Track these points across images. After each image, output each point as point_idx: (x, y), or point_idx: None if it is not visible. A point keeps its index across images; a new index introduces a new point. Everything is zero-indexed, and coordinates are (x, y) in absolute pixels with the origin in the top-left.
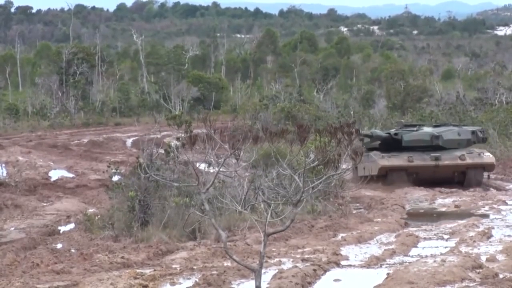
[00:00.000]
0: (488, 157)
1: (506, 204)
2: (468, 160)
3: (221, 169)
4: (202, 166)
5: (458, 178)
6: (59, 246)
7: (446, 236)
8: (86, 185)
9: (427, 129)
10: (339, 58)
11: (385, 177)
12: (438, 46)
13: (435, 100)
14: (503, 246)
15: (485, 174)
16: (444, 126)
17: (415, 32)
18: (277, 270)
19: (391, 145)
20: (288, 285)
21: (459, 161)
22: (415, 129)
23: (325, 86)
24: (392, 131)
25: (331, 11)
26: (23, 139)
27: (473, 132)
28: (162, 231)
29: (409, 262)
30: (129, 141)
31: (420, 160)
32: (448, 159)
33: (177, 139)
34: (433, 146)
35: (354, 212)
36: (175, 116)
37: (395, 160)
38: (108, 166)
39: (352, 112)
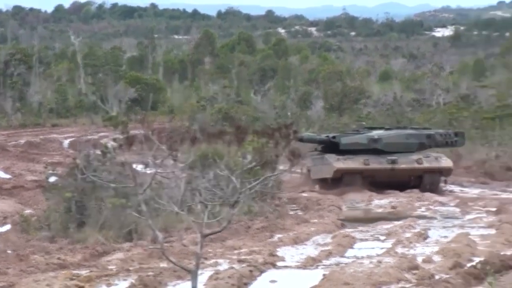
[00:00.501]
0: (445, 161)
1: (443, 205)
2: (425, 164)
3: (158, 170)
4: (139, 167)
5: (415, 182)
6: None
7: (382, 237)
8: (22, 186)
9: (376, 132)
10: (276, 59)
11: (340, 180)
12: (376, 47)
13: (372, 102)
14: (439, 247)
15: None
16: (397, 129)
17: (352, 33)
18: (213, 271)
19: (331, 148)
20: (225, 286)
21: (415, 165)
22: (360, 132)
23: (262, 87)
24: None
25: (269, 13)
26: None
27: (429, 136)
28: (98, 232)
29: (345, 263)
30: (66, 142)
31: (376, 163)
32: (405, 162)
33: (114, 140)
34: (371, 149)
35: (290, 213)
36: (111, 117)
37: (351, 163)
38: (45, 167)
39: (289, 113)
